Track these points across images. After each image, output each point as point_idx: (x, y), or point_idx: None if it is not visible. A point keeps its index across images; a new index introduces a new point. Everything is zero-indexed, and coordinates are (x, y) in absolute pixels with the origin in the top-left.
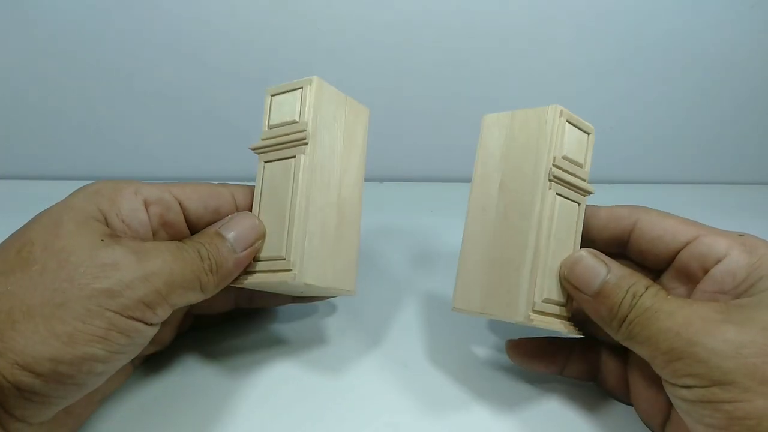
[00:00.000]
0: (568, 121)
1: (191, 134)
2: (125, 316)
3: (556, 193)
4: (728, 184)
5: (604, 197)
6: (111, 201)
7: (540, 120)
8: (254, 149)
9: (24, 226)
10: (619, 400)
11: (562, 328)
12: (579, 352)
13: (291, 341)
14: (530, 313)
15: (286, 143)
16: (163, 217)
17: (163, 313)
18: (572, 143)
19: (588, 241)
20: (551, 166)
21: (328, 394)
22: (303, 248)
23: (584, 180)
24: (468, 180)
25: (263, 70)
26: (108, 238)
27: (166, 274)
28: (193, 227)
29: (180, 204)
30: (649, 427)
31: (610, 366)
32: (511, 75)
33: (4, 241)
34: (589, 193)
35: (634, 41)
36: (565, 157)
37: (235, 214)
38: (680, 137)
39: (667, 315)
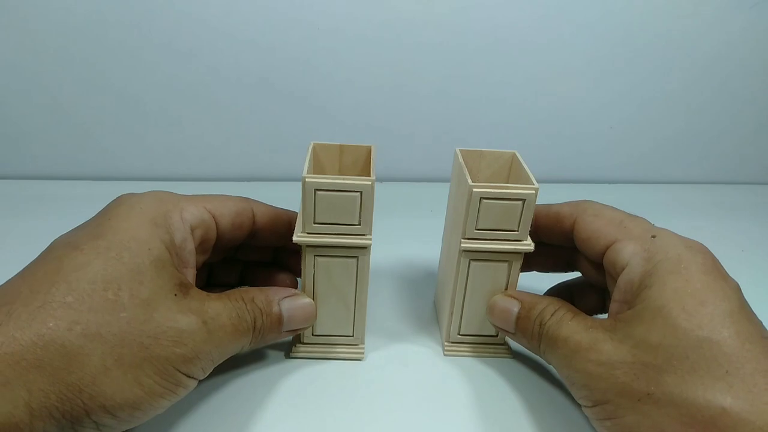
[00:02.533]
0: (483, 198)
1: (190, 134)
2: (189, 376)
3: (471, 260)
4: (728, 184)
5: (604, 197)
6: (168, 233)
7: (462, 192)
8: (306, 245)
9: (95, 248)
10: None
11: (479, 355)
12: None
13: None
14: (445, 343)
15: (348, 247)
16: (203, 237)
17: (209, 372)
18: (494, 215)
19: (543, 238)
20: (461, 238)
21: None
22: (364, 330)
23: (519, 241)
24: None
25: (263, 70)
26: (179, 291)
27: (223, 347)
28: (218, 239)
29: (214, 220)
30: None
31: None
32: (511, 74)
33: (61, 252)
34: (523, 252)
35: (634, 41)
36: (480, 229)
37: (299, 295)
38: (680, 137)
39: (564, 342)
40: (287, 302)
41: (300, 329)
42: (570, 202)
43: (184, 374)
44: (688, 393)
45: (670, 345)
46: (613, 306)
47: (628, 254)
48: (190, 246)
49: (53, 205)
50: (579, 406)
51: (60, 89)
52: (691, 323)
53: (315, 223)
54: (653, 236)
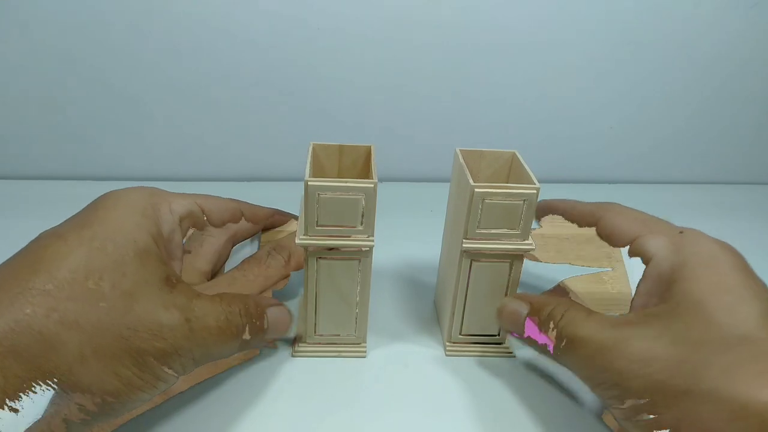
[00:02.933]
0: (485, 198)
1: (190, 134)
2: (168, 372)
3: (471, 260)
4: (728, 184)
5: (604, 197)
6: (156, 225)
7: (463, 192)
8: (308, 249)
9: (78, 238)
10: None
11: (480, 355)
12: None
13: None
14: (446, 343)
15: (350, 247)
16: (191, 229)
17: (192, 370)
18: (495, 215)
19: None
20: (462, 239)
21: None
22: (366, 329)
23: (520, 240)
24: None
25: (263, 70)
26: (165, 285)
27: (206, 348)
28: None
29: (203, 215)
30: None
31: None
32: (511, 74)
33: (46, 242)
34: (525, 251)
35: (635, 41)
36: (481, 230)
37: (281, 305)
38: (680, 137)
39: (583, 343)
40: (272, 311)
41: (276, 339)
42: (595, 202)
43: (163, 369)
44: (731, 388)
45: (711, 341)
46: (638, 299)
47: (655, 247)
48: (178, 238)
49: (53, 205)
50: (580, 406)
51: (60, 89)
52: (731, 320)
53: (318, 225)
54: (681, 231)
